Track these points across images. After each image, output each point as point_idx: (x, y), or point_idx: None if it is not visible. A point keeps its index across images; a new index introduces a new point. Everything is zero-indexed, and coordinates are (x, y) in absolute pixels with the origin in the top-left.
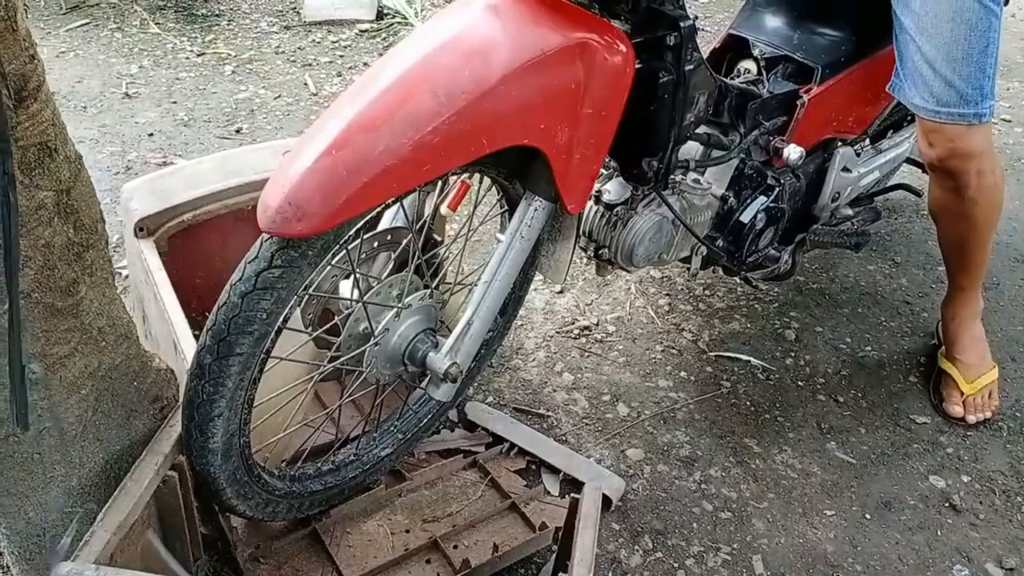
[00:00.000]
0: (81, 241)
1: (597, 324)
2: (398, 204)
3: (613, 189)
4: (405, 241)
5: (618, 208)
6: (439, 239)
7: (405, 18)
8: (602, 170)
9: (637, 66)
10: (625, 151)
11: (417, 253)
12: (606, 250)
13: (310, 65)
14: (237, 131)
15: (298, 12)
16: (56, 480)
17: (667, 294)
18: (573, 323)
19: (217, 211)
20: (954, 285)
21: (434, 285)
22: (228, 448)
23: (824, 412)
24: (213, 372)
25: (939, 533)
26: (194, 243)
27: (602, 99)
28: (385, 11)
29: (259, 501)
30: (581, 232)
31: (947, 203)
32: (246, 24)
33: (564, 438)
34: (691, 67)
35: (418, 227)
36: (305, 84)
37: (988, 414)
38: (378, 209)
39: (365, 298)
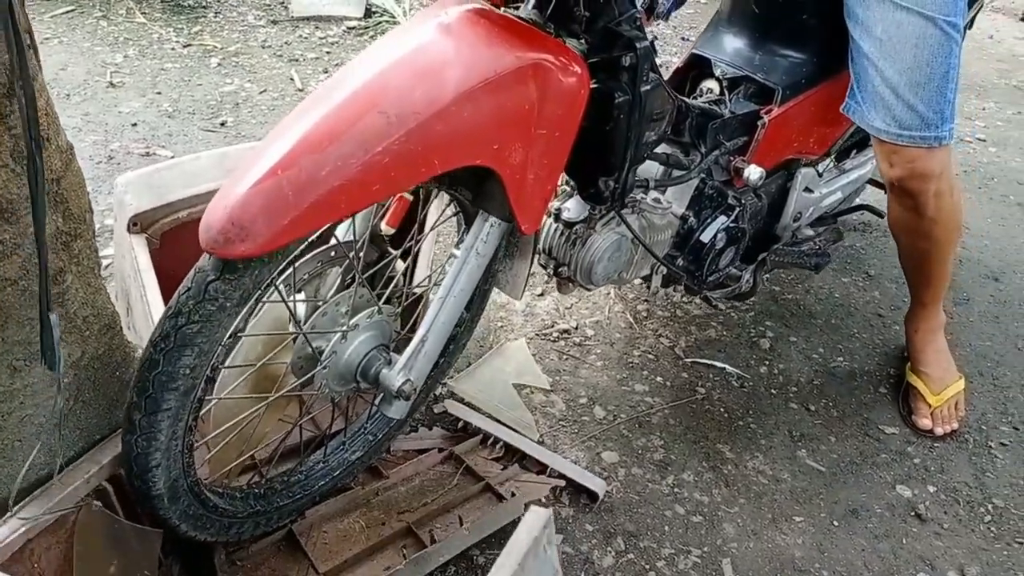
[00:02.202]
0: (69, 231)
1: (576, 328)
2: (350, 219)
3: (572, 207)
4: (351, 256)
5: (577, 226)
6: (391, 251)
7: (393, 16)
8: (565, 187)
9: (593, 86)
10: (582, 170)
11: (358, 271)
12: (565, 268)
13: (296, 60)
14: (222, 124)
15: (286, 7)
16: (35, 468)
17: (646, 300)
18: (552, 326)
19: None
20: (916, 300)
21: (383, 299)
22: (174, 492)
23: (796, 420)
24: (143, 427)
25: (904, 541)
26: (187, 238)
27: (555, 120)
28: (373, 9)
29: (220, 526)
30: (541, 250)
31: (906, 222)
32: (233, 17)
33: (541, 440)
34: (647, 88)
35: (358, 245)
36: (291, 79)
37: (955, 425)
38: (316, 233)
39: (308, 323)
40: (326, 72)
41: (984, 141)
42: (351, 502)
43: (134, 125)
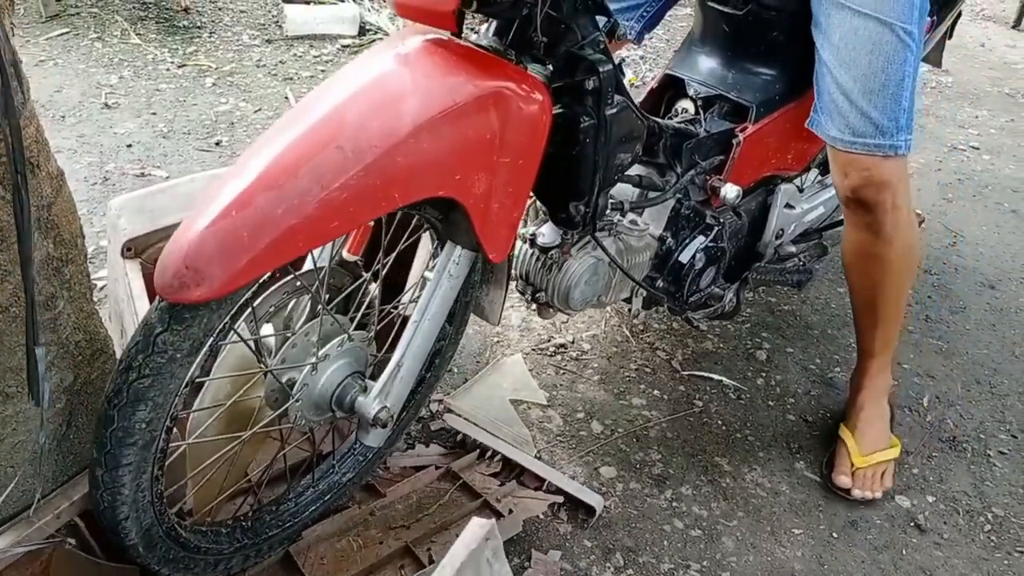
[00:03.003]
0: (60, 256)
1: (572, 342)
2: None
3: (547, 232)
4: (313, 287)
5: (552, 251)
6: (363, 274)
7: (387, 34)
8: (541, 213)
9: (558, 110)
10: (552, 195)
11: (322, 303)
12: (543, 294)
13: (291, 79)
14: (217, 144)
15: (280, 26)
16: (29, 494)
17: None
18: (549, 341)
19: None
20: (864, 351)
21: (357, 323)
22: (148, 540)
23: (794, 432)
24: (106, 483)
25: (904, 552)
26: None
27: (518, 148)
28: (367, 27)
29: (206, 565)
30: (518, 275)
31: (861, 244)
32: (227, 37)
33: (539, 455)
34: (613, 111)
35: (320, 275)
36: (286, 98)
37: (878, 494)
38: (267, 274)
39: (278, 355)
40: None
41: (978, 149)
42: (348, 521)
43: (129, 146)
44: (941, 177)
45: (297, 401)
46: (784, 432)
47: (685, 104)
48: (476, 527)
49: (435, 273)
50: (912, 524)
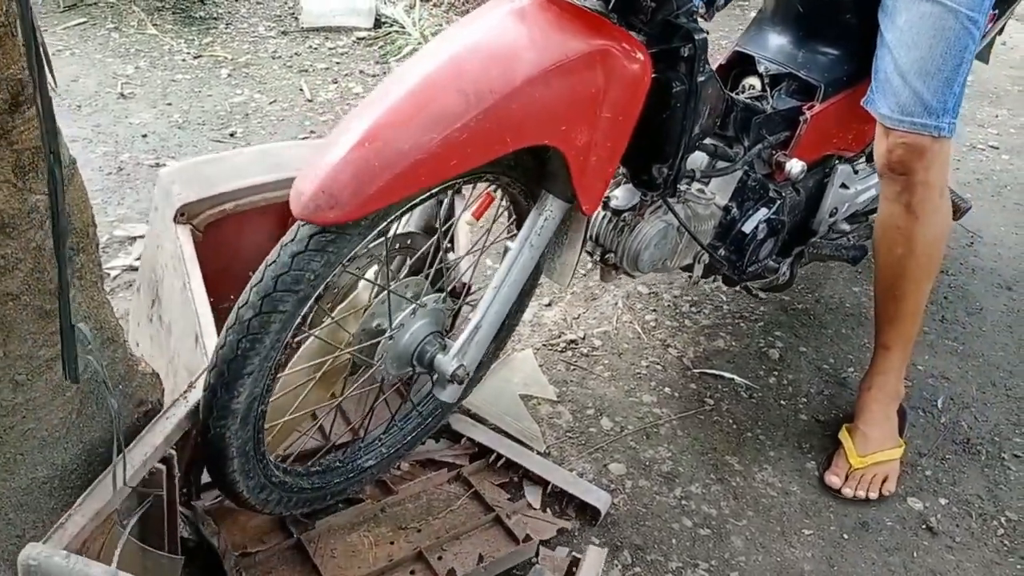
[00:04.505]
0: (72, 245)
1: (583, 338)
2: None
3: (621, 195)
4: (423, 248)
5: (625, 214)
6: (449, 246)
7: (403, 27)
8: (620, 176)
9: (652, 75)
10: (636, 158)
11: (440, 256)
12: (612, 255)
13: (306, 71)
14: (231, 135)
15: (296, 18)
16: (38, 481)
17: (653, 310)
18: (560, 336)
19: (256, 203)
20: (880, 345)
21: (448, 290)
22: (248, 413)
23: (805, 432)
24: (253, 328)
25: (915, 555)
26: (229, 230)
27: (620, 104)
28: (383, 20)
29: (258, 482)
30: (588, 237)
31: (891, 216)
32: (243, 28)
33: (548, 451)
34: (703, 78)
35: (443, 230)
36: (301, 90)
37: (873, 495)
38: (416, 200)
39: (370, 308)
40: (335, 82)
41: (997, 148)
42: (359, 514)
43: (144, 136)
44: (959, 176)
45: (390, 339)
46: (796, 432)
47: (752, 81)
48: (595, 555)
49: (517, 243)
50: (924, 526)
